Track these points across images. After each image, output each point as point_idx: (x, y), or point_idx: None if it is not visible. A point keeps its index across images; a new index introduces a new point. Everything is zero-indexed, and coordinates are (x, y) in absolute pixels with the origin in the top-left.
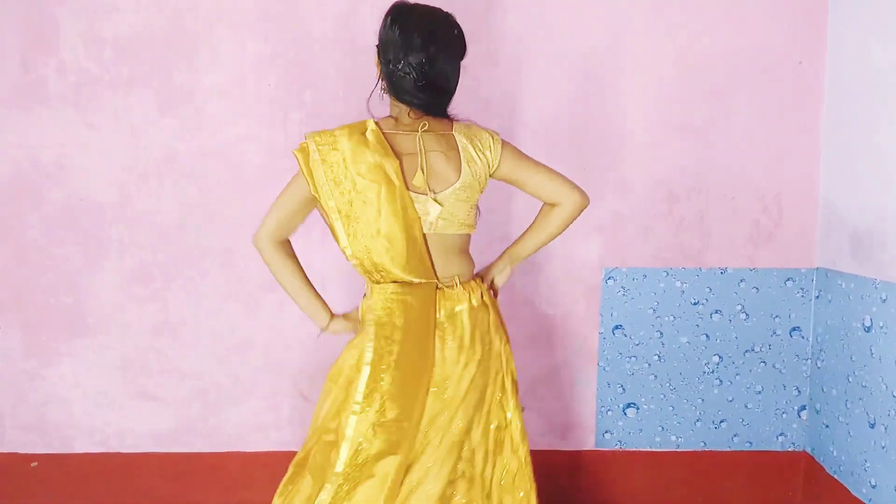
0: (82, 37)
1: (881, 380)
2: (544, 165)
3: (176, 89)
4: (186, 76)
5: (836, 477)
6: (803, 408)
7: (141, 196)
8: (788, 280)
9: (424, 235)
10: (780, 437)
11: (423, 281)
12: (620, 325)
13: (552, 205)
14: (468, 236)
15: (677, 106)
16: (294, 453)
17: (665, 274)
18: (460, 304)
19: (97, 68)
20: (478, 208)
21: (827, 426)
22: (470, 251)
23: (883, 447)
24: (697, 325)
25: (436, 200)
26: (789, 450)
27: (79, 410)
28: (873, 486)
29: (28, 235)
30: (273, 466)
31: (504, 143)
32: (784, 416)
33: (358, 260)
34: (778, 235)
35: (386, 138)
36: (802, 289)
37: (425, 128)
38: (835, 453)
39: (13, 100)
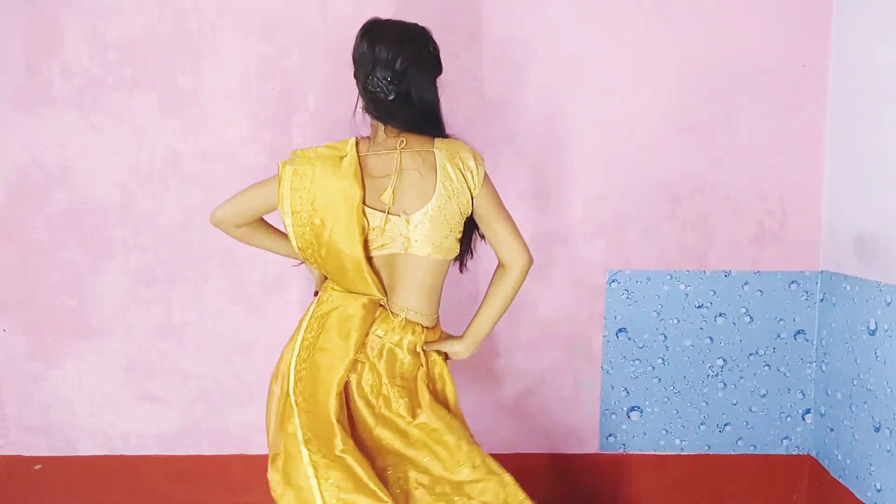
0: (86, 39)
1: (886, 383)
2: (511, 218)
3: (179, 91)
4: (189, 78)
5: (840, 481)
6: (808, 411)
7: (144, 198)
8: (793, 283)
9: (374, 265)
10: (784, 441)
11: (368, 294)
12: (624, 328)
13: (501, 268)
14: (443, 266)
15: (680, 107)
16: None
17: (669, 277)
18: (392, 334)
19: (100, 70)
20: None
21: (832, 429)
22: (442, 291)
23: (888, 451)
24: (701, 328)
25: (407, 221)
26: (794, 453)
27: (82, 412)
28: (878, 490)
29: (32, 237)
30: None
31: (486, 175)
32: (788, 419)
33: (308, 263)
34: (782, 238)
35: (361, 161)
36: (807, 292)
37: (404, 145)
38: (839, 457)
39: (18, 101)
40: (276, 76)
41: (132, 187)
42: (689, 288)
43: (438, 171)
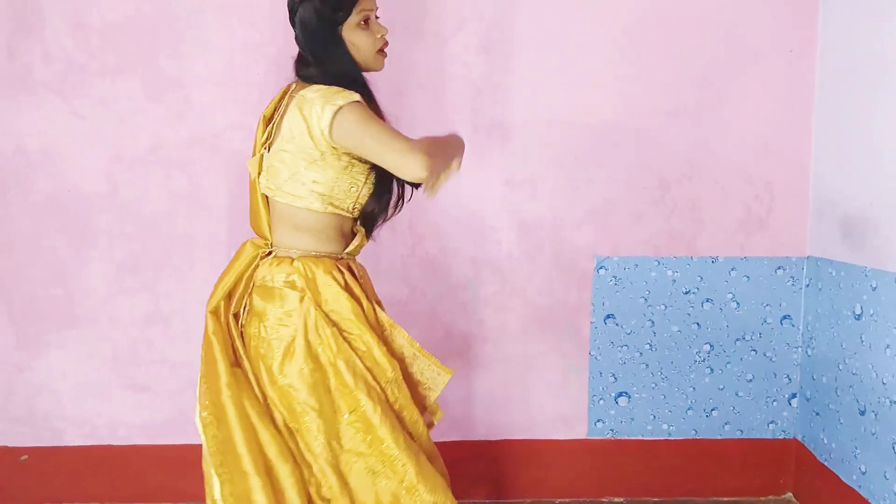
0: (68, 23)
1: (871, 367)
2: (385, 135)
3: (163, 76)
4: (173, 63)
5: (826, 464)
6: (794, 395)
7: (128, 185)
8: (779, 268)
9: (267, 199)
10: (770, 425)
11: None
12: (612, 315)
13: None
14: (297, 214)
15: (668, 92)
16: None
17: (656, 263)
18: (261, 276)
19: (83, 55)
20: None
21: (817, 414)
22: (329, 232)
23: (873, 434)
24: (689, 314)
25: (261, 158)
26: (780, 437)
27: (68, 402)
28: (863, 473)
29: (15, 226)
30: None
31: (342, 112)
32: (775, 403)
33: None
34: (769, 223)
35: (277, 105)
36: (793, 277)
37: (291, 90)
38: (825, 441)
39: None
40: (261, 61)
41: (116, 175)
42: (676, 274)
43: (288, 112)
